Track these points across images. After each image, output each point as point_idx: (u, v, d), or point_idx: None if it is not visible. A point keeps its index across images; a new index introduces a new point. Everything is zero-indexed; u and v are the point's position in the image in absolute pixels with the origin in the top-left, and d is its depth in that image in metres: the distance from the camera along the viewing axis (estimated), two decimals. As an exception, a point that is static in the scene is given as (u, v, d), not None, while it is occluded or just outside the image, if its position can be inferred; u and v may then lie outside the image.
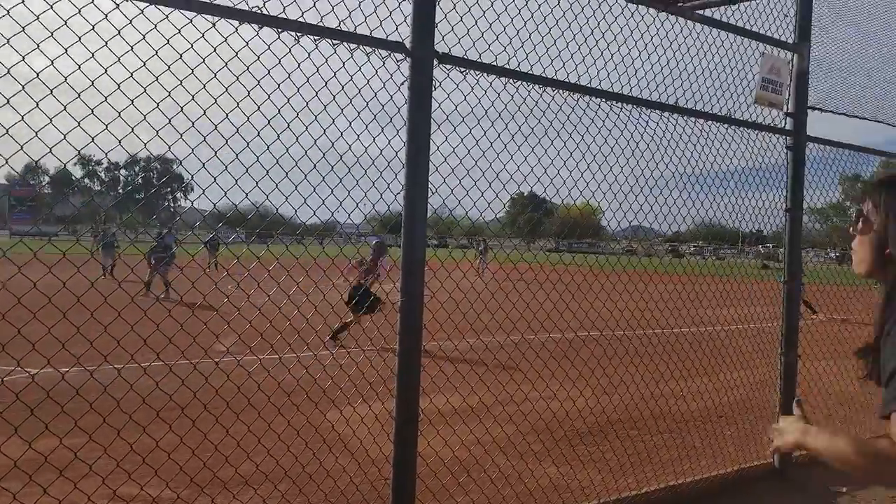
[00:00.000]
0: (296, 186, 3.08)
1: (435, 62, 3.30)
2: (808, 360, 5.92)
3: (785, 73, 5.21)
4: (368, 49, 3.13)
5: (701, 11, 4.57)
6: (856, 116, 6.04)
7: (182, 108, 2.83)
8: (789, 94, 5.31)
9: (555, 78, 3.91)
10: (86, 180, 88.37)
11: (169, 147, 2.88)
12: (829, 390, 6.86)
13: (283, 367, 3.99)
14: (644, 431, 5.91)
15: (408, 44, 3.21)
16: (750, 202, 5.34)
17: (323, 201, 3.20)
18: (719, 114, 4.88)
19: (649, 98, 4.43)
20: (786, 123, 5.33)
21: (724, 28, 4.87)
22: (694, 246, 32.25)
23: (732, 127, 4.97)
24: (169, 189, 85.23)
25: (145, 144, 2.83)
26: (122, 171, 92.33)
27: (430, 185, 3.35)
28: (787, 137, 5.32)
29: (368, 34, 3.13)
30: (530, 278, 4.38)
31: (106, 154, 3.06)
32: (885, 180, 1.70)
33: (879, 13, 6.12)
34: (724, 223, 5.51)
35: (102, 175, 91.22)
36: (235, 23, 2.82)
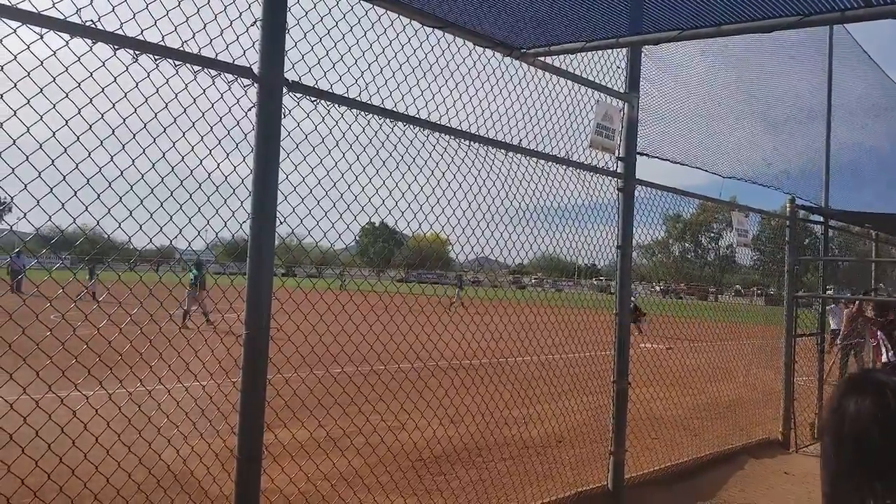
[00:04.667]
0: (130, 212, 2.89)
1: (284, 90, 3.25)
2: (638, 385, 6.37)
3: (617, 120, 5.66)
4: (214, 72, 3.03)
5: (543, 59, 4.88)
6: (679, 163, 6.67)
7: (2, 125, 2.58)
8: (621, 140, 5.77)
9: (405, 113, 4.00)
10: None
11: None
12: (656, 415, 7.42)
13: (114, 404, 3.69)
14: (489, 458, 6.06)
15: (256, 69, 3.15)
16: (585, 238, 5.71)
17: (161, 228, 3.02)
18: (558, 155, 5.20)
19: (495, 137, 4.63)
20: (617, 167, 5.77)
21: (563, 76, 5.22)
22: (535, 278, 33.81)
23: (570, 168, 5.31)
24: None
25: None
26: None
27: (278, 215, 3.28)
28: (619, 180, 5.76)
29: (214, 57, 3.04)
30: (381, 308, 4.40)
31: None
32: None
33: (696, 70, 6.85)
34: (562, 257, 5.86)
35: None
36: (66, 36, 2.63)
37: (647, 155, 6.03)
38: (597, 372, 5.87)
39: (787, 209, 8.49)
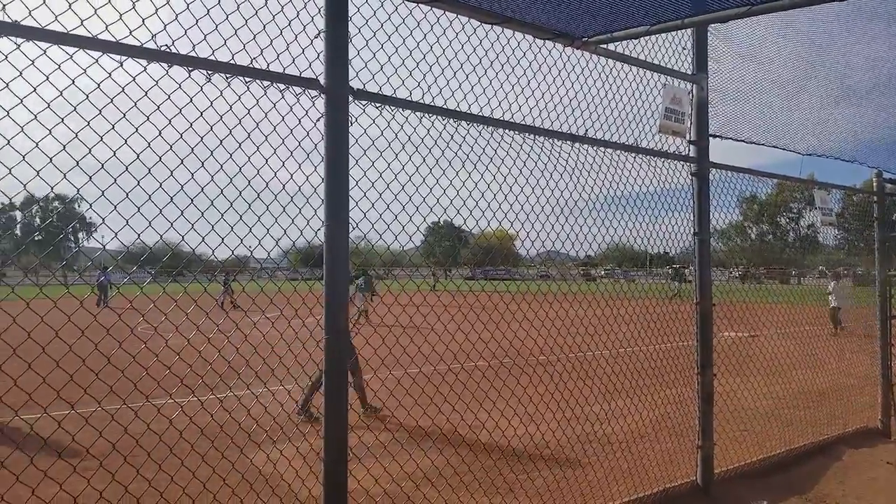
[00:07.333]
0: (213, 226, 3.01)
1: (350, 98, 3.31)
2: (723, 376, 6.17)
3: (686, 103, 5.50)
4: (282, 86, 3.11)
5: (605, 46, 4.79)
6: (755, 143, 6.42)
7: (91, 150, 2.73)
8: (691, 123, 5.60)
9: (469, 112, 4.00)
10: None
11: (78, 190, 2.78)
12: (744, 406, 7.17)
13: (206, 411, 3.84)
14: (571, 455, 5.99)
15: (322, 80, 3.21)
16: (658, 225, 5.57)
17: (241, 240, 3.13)
18: (626, 143, 5.10)
19: (560, 129, 4.58)
20: (689, 151, 5.61)
21: (627, 62, 5.11)
22: (605, 269, 33.11)
23: (640, 155, 5.19)
24: (71, 229, 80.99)
25: (52, 188, 2.73)
26: (17, 213, 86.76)
27: (350, 220, 3.34)
28: (692, 164, 5.60)
29: (282, 71, 3.12)
30: (454, 308, 4.41)
31: (10, 198, 2.91)
32: None
33: (767, 45, 6.57)
34: (634, 246, 5.71)
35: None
36: (143, 62, 2.76)
37: (720, 136, 5.83)
38: (679, 363, 5.72)
39: (874, 183, 8.06)
